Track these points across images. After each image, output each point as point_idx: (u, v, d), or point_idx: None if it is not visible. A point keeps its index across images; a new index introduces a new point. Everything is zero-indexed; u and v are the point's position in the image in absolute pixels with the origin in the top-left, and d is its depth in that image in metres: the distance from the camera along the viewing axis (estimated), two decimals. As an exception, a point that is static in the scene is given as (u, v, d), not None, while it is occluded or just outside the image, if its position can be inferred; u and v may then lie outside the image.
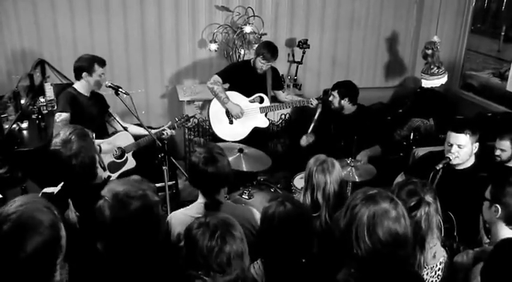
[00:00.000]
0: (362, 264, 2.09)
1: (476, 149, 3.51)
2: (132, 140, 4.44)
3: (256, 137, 5.21)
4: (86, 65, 4.25)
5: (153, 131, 4.41)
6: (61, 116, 4.13)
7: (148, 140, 4.38)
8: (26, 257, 1.71)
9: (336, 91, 5.01)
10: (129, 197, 2.13)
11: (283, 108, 5.43)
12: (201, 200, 2.91)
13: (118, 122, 4.51)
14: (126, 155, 4.39)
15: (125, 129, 4.45)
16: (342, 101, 4.98)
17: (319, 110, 5.13)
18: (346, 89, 5.02)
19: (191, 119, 4.78)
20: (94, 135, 2.92)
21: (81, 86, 4.32)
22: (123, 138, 4.42)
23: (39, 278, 1.79)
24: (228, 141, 4.94)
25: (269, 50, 5.05)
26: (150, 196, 2.21)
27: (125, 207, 2.11)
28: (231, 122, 5.19)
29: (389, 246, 2.02)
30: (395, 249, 2.04)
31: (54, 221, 1.82)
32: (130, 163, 4.45)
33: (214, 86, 5.09)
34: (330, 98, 5.06)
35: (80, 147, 2.69)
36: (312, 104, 5.21)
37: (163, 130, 4.47)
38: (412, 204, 2.48)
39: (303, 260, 2.41)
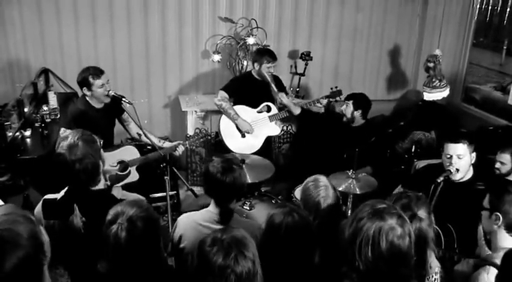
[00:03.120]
0: (362, 277, 2.09)
1: (474, 159, 3.51)
2: (137, 155, 4.34)
3: (265, 147, 5.26)
4: (82, 80, 4.15)
5: (167, 145, 4.39)
6: (65, 133, 4.05)
7: (157, 156, 4.32)
8: (8, 272, 1.64)
9: (351, 101, 5.01)
10: (141, 218, 2.20)
11: (291, 111, 5.30)
12: (211, 208, 2.95)
13: (127, 130, 4.53)
14: (129, 168, 4.35)
15: (139, 137, 4.42)
16: (355, 112, 4.99)
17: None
18: (362, 101, 5.04)
19: (203, 138, 4.68)
20: (102, 142, 2.93)
21: (92, 99, 4.22)
22: (128, 153, 4.37)
23: None
24: (239, 153, 4.89)
25: (267, 53, 5.15)
26: (155, 215, 2.31)
27: (138, 228, 2.18)
28: (243, 136, 5.21)
29: (391, 263, 2.02)
30: (397, 266, 2.04)
31: (33, 229, 1.75)
32: (133, 176, 4.40)
33: (222, 102, 5.10)
34: (342, 107, 5.06)
35: (85, 153, 2.70)
36: (321, 103, 5.20)
37: (176, 146, 4.37)
38: None
39: (305, 269, 2.42)
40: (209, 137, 5.16)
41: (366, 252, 2.01)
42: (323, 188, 3.09)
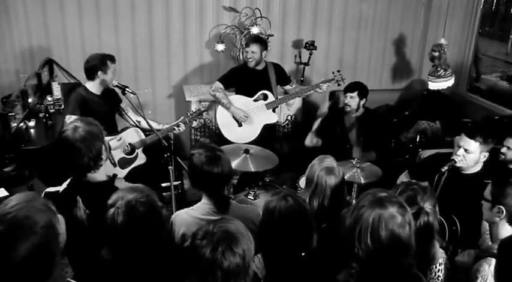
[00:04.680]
0: (362, 265, 2.09)
1: (484, 158, 3.47)
2: (142, 136, 4.46)
3: (264, 137, 5.23)
4: (99, 64, 4.26)
5: (166, 126, 4.47)
6: (70, 119, 4.13)
7: (155, 138, 4.38)
8: (20, 258, 1.71)
9: (356, 92, 4.99)
10: (141, 203, 2.20)
11: (290, 99, 5.36)
12: (205, 201, 2.91)
13: (129, 117, 4.56)
14: (136, 150, 4.40)
15: (137, 124, 4.48)
16: (361, 102, 4.98)
17: (325, 109, 5.07)
18: (364, 89, 5.03)
19: (203, 113, 4.75)
20: (103, 128, 2.95)
21: (93, 86, 4.33)
22: (132, 134, 4.43)
23: (38, 276, 1.79)
24: (237, 143, 4.90)
25: (250, 38, 5.24)
26: (156, 201, 2.30)
27: (137, 213, 2.18)
28: (240, 125, 5.21)
29: (390, 251, 2.01)
30: (396, 255, 2.03)
31: (51, 219, 1.82)
32: (141, 159, 4.45)
33: (216, 92, 5.14)
34: (346, 100, 5.03)
35: (88, 132, 2.75)
36: (321, 89, 5.13)
37: (177, 125, 4.48)
38: (411, 213, 2.48)
39: (303, 254, 2.42)
40: (208, 111, 5.12)
41: (365, 240, 2.02)
42: (328, 162, 3.10)
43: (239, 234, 1.99)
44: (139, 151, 4.43)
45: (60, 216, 1.91)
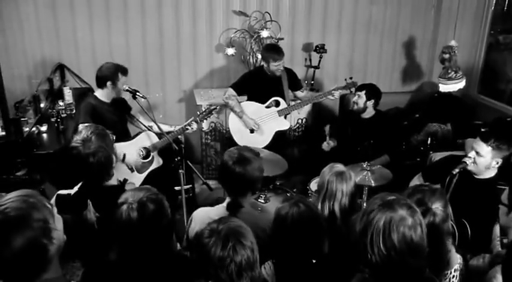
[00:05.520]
0: (375, 270, 2.08)
1: (497, 165, 3.42)
2: (155, 139, 4.47)
3: (276, 142, 5.23)
4: (110, 75, 4.27)
5: (178, 127, 4.48)
6: (84, 125, 4.12)
7: (164, 142, 4.39)
8: (14, 252, 1.75)
9: (364, 92, 5.01)
10: (151, 200, 2.24)
11: (302, 107, 5.34)
12: (225, 203, 2.93)
13: (141, 122, 4.57)
14: (151, 154, 4.40)
15: (149, 128, 4.49)
16: (368, 102, 4.98)
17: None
18: (374, 90, 5.04)
19: (213, 111, 4.74)
20: (114, 137, 2.97)
21: (103, 94, 4.33)
22: (145, 138, 4.44)
23: (31, 271, 1.82)
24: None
25: (274, 50, 5.09)
26: (165, 201, 2.32)
27: (148, 210, 2.21)
28: (252, 131, 5.22)
29: (403, 254, 2.00)
30: (409, 257, 2.02)
31: (45, 215, 1.84)
32: (157, 162, 4.46)
33: (229, 100, 5.16)
34: (355, 99, 5.05)
35: (99, 146, 2.77)
36: (333, 96, 5.12)
37: (188, 125, 4.48)
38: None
39: (314, 261, 2.42)
40: (217, 108, 5.11)
41: (377, 244, 2.00)
42: (338, 168, 3.11)
43: (242, 228, 2.06)
44: (154, 154, 4.43)
45: (57, 215, 1.94)
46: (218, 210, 2.93)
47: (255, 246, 2.03)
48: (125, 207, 2.20)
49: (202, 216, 2.93)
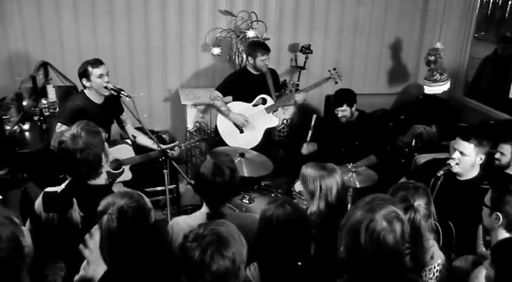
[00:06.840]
0: (353, 271, 2.07)
1: (481, 161, 3.47)
2: (132, 154, 4.33)
3: (266, 140, 5.26)
4: (82, 72, 4.11)
5: (162, 147, 4.20)
6: (61, 128, 3.98)
7: (147, 158, 4.29)
8: None
9: (345, 104, 4.91)
10: (132, 208, 2.20)
11: (290, 100, 5.35)
12: (204, 209, 2.88)
13: (126, 131, 4.50)
14: (123, 167, 4.29)
15: (133, 139, 4.42)
16: (352, 109, 4.95)
17: (314, 116, 5.02)
18: (350, 96, 4.97)
19: (202, 140, 4.64)
20: (106, 136, 2.89)
21: (90, 93, 4.17)
22: (122, 151, 4.31)
23: None
24: (233, 146, 4.86)
25: (260, 45, 5.13)
26: (146, 205, 2.29)
27: (129, 218, 2.17)
28: (241, 131, 5.20)
29: (380, 256, 1.98)
30: (387, 260, 2.00)
31: (14, 233, 1.69)
32: (126, 175, 4.34)
33: (214, 101, 5.17)
34: (340, 115, 4.96)
35: (88, 143, 2.68)
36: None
37: (172, 148, 4.24)
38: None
39: (299, 263, 2.41)
40: (206, 138, 5.08)
41: (347, 240, 2.00)
42: (326, 168, 3.09)
43: (230, 237, 1.96)
44: (126, 168, 4.32)
45: (24, 228, 1.79)
46: (197, 218, 2.85)
47: (238, 258, 1.94)
48: (105, 218, 2.16)
49: (183, 228, 2.77)
